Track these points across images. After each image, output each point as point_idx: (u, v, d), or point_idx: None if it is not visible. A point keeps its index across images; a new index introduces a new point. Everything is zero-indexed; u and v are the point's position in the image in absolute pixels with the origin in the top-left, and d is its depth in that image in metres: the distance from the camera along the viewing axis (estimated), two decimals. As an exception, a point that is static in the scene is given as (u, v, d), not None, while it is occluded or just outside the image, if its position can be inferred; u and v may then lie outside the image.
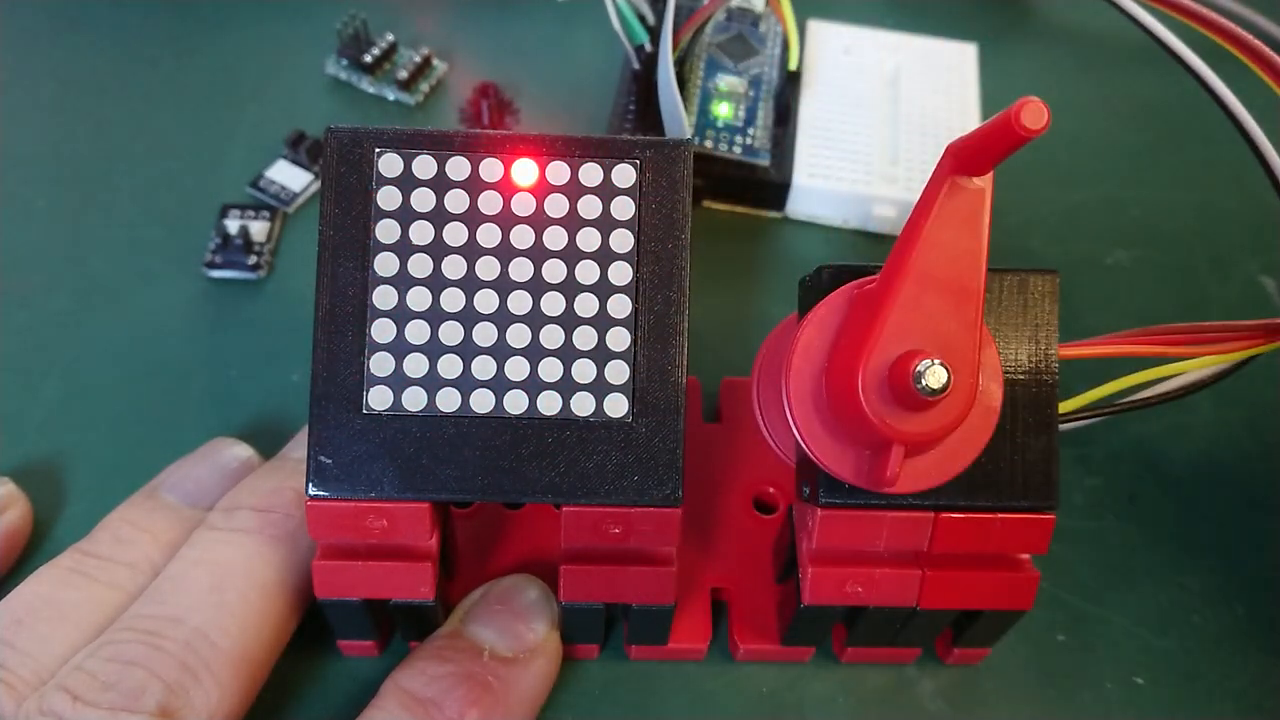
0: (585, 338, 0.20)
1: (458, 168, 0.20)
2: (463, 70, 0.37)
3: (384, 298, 0.20)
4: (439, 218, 0.20)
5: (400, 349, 0.20)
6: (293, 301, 0.31)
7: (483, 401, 0.20)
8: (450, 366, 0.20)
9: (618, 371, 0.20)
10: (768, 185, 0.33)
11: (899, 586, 0.22)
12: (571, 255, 0.20)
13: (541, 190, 0.20)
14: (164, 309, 0.30)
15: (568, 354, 0.20)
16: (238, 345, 0.30)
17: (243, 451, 0.26)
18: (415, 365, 0.20)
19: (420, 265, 0.20)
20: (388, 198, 0.20)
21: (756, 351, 0.24)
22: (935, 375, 0.17)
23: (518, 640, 0.23)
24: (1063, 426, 0.21)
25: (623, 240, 0.20)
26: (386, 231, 0.20)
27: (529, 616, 0.23)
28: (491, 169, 0.20)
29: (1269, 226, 0.35)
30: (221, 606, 0.21)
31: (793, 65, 0.34)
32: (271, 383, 0.29)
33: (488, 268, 0.20)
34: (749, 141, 0.33)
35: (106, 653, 0.20)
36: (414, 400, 0.20)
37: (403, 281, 0.20)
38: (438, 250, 0.20)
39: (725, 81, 0.34)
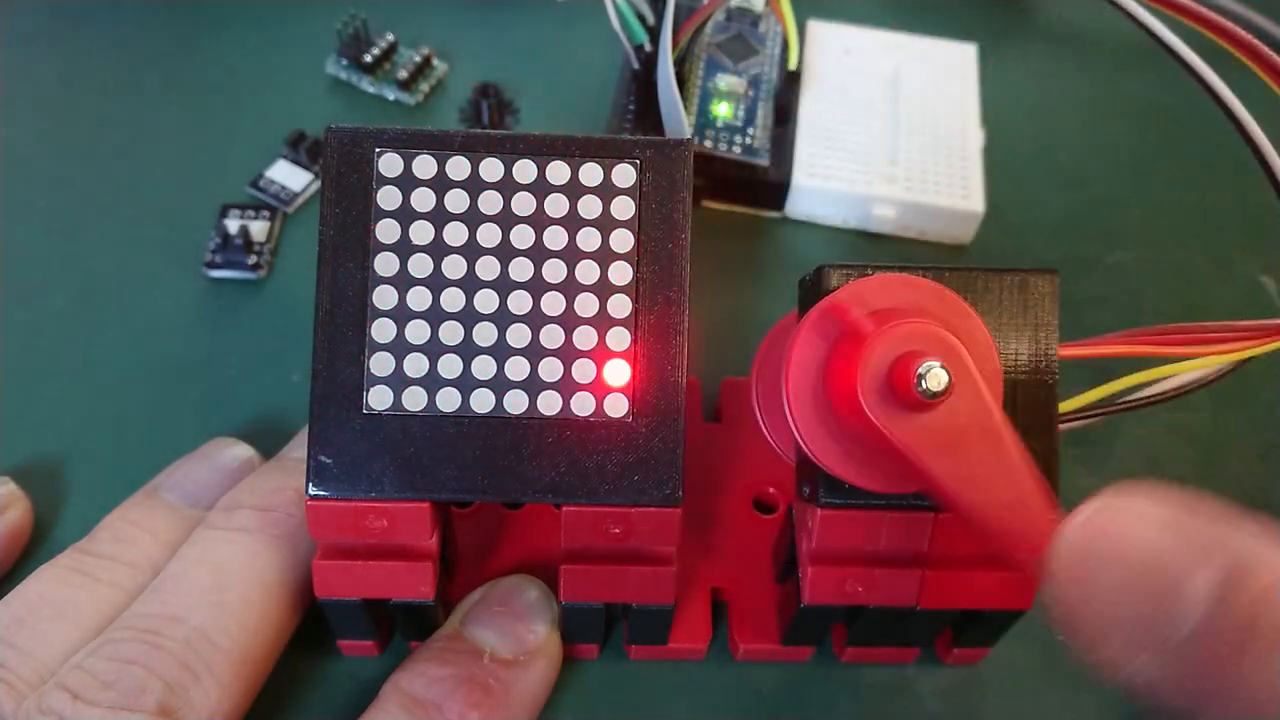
0: (585, 338, 0.20)
1: (458, 168, 0.20)
2: (463, 70, 0.37)
3: (384, 297, 0.20)
4: (439, 217, 0.20)
5: (400, 349, 0.20)
6: (293, 301, 0.31)
7: (483, 401, 0.20)
8: (450, 366, 0.20)
9: (618, 371, 0.20)
10: (767, 185, 0.33)
11: (899, 586, 0.22)
12: (571, 255, 0.20)
13: (541, 190, 0.20)
14: (164, 309, 0.30)
15: (568, 354, 0.20)
16: (238, 345, 0.30)
17: (243, 451, 0.26)
18: (415, 365, 0.20)
19: (420, 265, 0.20)
20: (388, 197, 0.20)
21: (756, 351, 0.24)
22: (936, 377, 0.17)
23: (518, 642, 0.23)
24: (1063, 426, 0.21)
25: (623, 240, 0.20)
26: (386, 231, 0.20)
27: (529, 618, 0.23)
28: (491, 169, 0.20)
29: (1269, 226, 0.35)
30: (222, 606, 0.21)
31: (792, 65, 0.34)
32: (271, 383, 0.29)
33: (488, 267, 0.20)
34: (749, 141, 0.33)
35: (106, 651, 0.20)
36: (414, 400, 0.20)
37: (403, 281, 0.20)
38: (438, 250, 0.20)
39: (725, 81, 0.34)
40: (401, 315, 0.20)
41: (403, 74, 0.36)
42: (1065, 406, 0.23)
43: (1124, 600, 0.12)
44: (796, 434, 0.19)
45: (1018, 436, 0.18)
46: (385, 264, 0.20)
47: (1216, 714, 0.12)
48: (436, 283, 0.20)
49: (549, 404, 0.20)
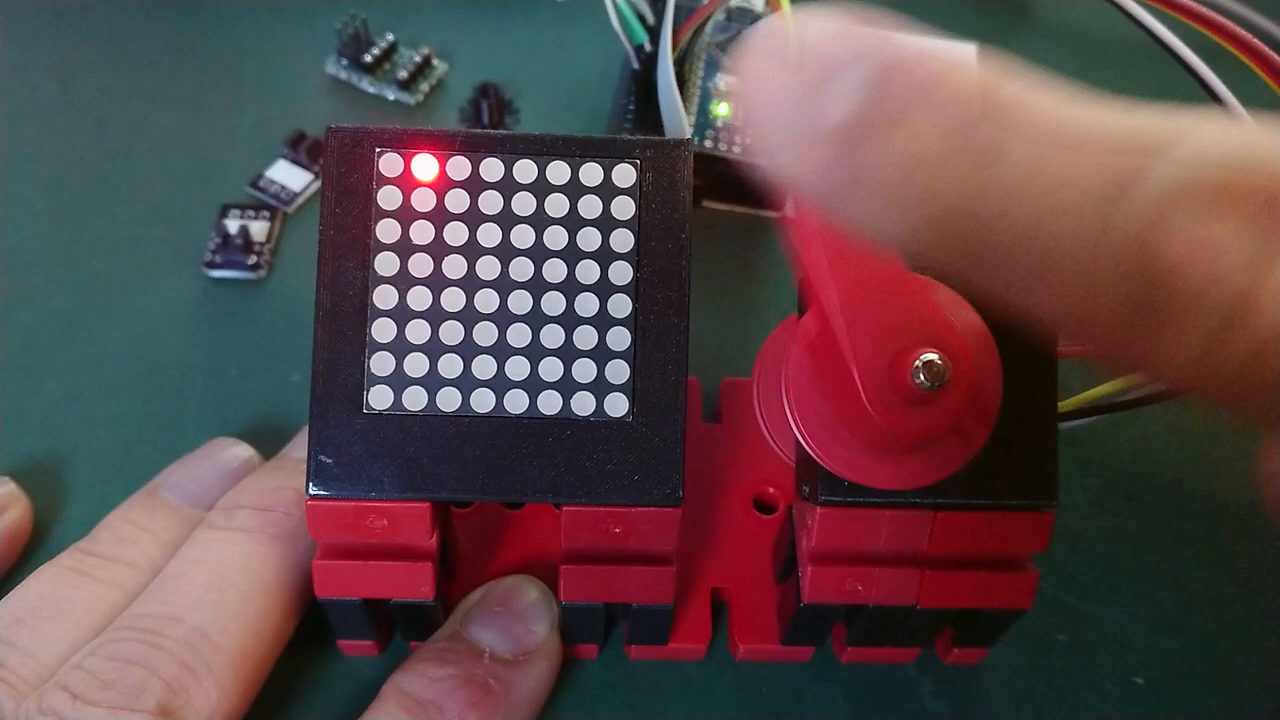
0: (585, 337, 0.20)
1: (458, 167, 0.20)
2: (463, 70, 0.37)
3: (384, 297, 0.20)
4: (439, 217, 0.20)
5: (401, 348, 0.20)
6: (293, 301, 0.31)
7: (483, 401, 0.20)
8: (451, 366, 0.20)
9: (618, 371, 0.20)
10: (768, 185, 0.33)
11: (898, 585, 0.22)
12: (571, 255, 0.20)
13: (541, 190, 0.20)
14: (164, 309, 0.30)
15: (568, 353, 0.20)
16: (238, 345, 0.30)
17: (243, 451, 0.26)
18: (416, 365, 0.20)
19: (420, 265, 0.20)
20: (388, 197, 0.20)
21: (756, 351, 0.24)
22: (932, 370, 0.17)
23: (518, 642, 0.23)
24: (1062, 426, 0.21)
25: (623, 240, 0.20)
26: (387, 231, 0.20)
27: (529, 618, 0.23)
28: (492, 169, 0.20)
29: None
30: (222, 605, 0.21)
31: (793, 65, 0.34)
32: (271, 383, 0.29)
33: (488, 267, 0.20)
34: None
35: (106, 651, 0.20)
36: (414, 400, 0.20)
37: (403, 281, 0.20)
38: (438, 250, 0.20)
39: (725, 81, 0.34)
40: (402, 315, 0.20)
41: (403, 74, 0.36)
42: (1065, 406, 0.23)
43: (788, 90, 0.13)
44: (796, 432, 0.19)
45: None
46: (385, 264, 0.20)
47: (849, 202, 0.12)
48: (437, 282, 0.20)
49: (549, 404, 0.20)
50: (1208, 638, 0.26)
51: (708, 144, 0.33)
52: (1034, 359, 0.21)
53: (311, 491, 0.20)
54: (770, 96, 0.13)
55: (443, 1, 0.39)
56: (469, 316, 0.20)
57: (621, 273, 0.20)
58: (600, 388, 0.20)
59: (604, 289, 0.20)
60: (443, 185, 0.20)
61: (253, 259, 0.31)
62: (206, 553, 0.22)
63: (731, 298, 0.32)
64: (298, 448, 0.26)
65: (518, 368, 0.20)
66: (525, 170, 0.20)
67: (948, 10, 0.40)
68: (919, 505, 0.21)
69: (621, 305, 0.20)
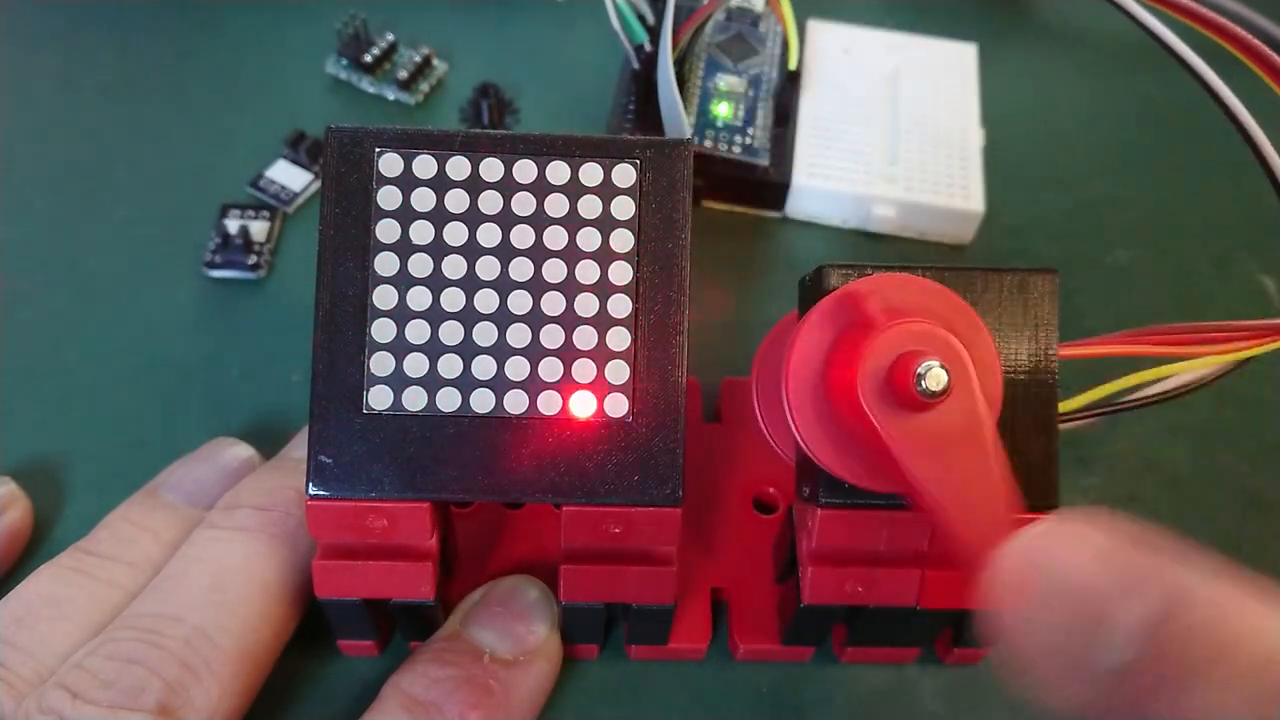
0: (585, 337, 0.20)
1: (458, 167, 0.20)
2: (463, 70, 0.37)
3: (384, 297, 0.20)
4: (439, 217, 0.20)
5: (400, 349, 0.20)
6: (293, 301, 0.31)
7: (483, 401, 0.20)
8: (450, 366, 0.20)
9: (618, 371, 0.20)
10: (767, 185, 0.33)
11: (899, 586, 0.22)
12: (571, 255, 0.20)
13: (541, 190, 0.20)
14: (164, 309, 0.30)
15: (568, 354, 0.20)
16: (238, 345, 0.30)
17: (243, 451, 0.26)
18: (415, 365, 0.20)
19: (420, 265, 0.20)
20: (388, 197, 0.20)
21: (756, 351, 0.24)
22: (935, 377, 0.17)
23: (518, 642, 0.23)
24: (1063, 426, 0.21)
25: (623, 240, 0.20)
26: (387, 231, 0.20)
27: (529, 618, 0.23)
28: (491, 169, 0.20)
29: (1269, 226, 0.35)
30: (222, 605, 0.21)
31: (792, 65, 0.34)
32: (271, 383, 0.29)
33: (488, 267, 0.20)
34: (749, 141, 0.33)
35: (106, 650, 0.20)
36: (414, 400, 0.20)
37: (403, 281, 0.20)
38: (438, 250, 0.20)
39: (725, 81, 0.34)
40: (401, 315, 0.20)
41: (403, 74, 0.36)
42: (1065, 406, 0.23)
43: (1056, 627, 0.12)
44: (796, 433, 0.19)
45: (1002, 448, 0.18)
46: (385, 264, 0.20)
47: None
48: (436, 282, 0.20)
49: (549, 404, 0.20)
50: (1208, 638, 0.26)
51: (708, 144, 0.33)
52: (1035, 360, 0.21)
53: (311, 491, 0.20)
54: (1035, 632, 0.12)
55: (443, 1, 0.39)
56: (469, 316, 0.20)
57: (621, 273, 0.20)
58: (600, 388, 0.20)
59: (604, 289, 0.20)
60: (442, 185, 0.20)
61: (253, 259, 0.31)
62: (207, 552, 0.22)
63: (731, 298, 0.32)
64: (298, 448, 0.26)
65: (517, 368, 0.20)
66: (525, 170, 0.20)
67: (948, 10, 0.40)
68: (919, 505, 0.20)
69: (621, 305, 0.20)
